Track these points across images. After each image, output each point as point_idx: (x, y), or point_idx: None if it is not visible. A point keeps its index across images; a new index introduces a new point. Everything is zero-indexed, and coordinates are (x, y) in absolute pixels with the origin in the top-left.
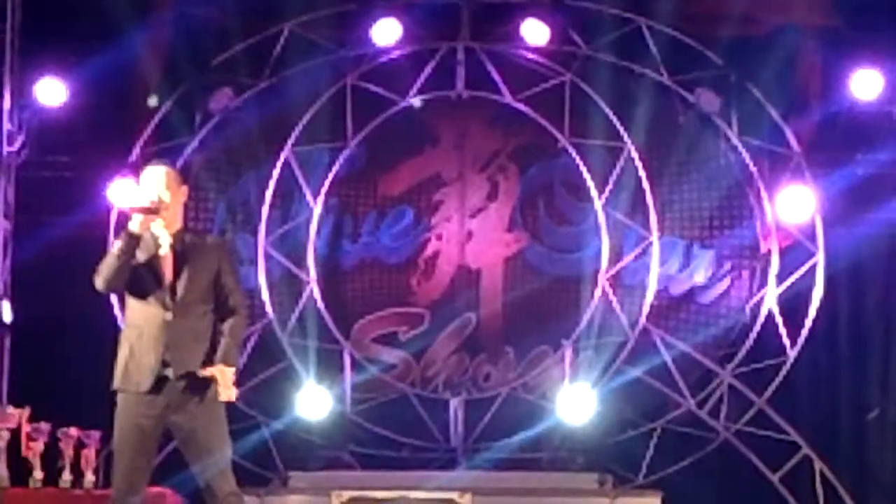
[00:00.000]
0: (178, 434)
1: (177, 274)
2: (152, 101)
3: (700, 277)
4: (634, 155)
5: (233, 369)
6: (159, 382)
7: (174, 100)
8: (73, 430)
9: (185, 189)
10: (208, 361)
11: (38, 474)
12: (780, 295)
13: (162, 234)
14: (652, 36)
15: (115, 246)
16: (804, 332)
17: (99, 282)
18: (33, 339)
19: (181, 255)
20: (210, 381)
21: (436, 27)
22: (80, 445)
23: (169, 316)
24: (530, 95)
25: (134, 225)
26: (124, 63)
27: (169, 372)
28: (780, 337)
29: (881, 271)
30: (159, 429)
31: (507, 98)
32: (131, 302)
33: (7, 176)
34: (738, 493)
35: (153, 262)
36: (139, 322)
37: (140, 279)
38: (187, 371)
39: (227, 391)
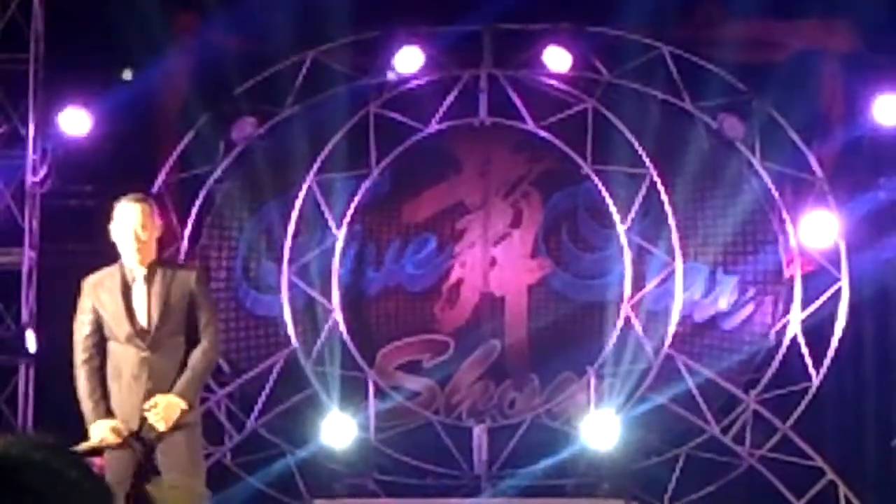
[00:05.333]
0: (160, 467)
1: (150, 309)
2: (127, 75)
3: (724, 303)
4: (657, 181)
5: (181, 402)
6: (144, 417)
7: (197, 129)
8: (98, 460)
9: (160, 224)
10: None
11: None
12: (804, 320)
13: (136, 268)
14: (674, 62)
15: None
16: (828, 357)
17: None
18: (57, 368)
19: (154, 289)
20: (187, 422)
21: (458, 55)
22: (102, 475)
23: (145, 353)
24: (553, 122)
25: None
26: (147, 92)
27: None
28: (804, 362)
29: None
30: (151, 460)
31: (530, 125)
32: (109, 344)
33: (31, 205)
34: None
35: (126, 302)
36: (118, 363)
37: (114, 322)
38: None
39: (160, 422)
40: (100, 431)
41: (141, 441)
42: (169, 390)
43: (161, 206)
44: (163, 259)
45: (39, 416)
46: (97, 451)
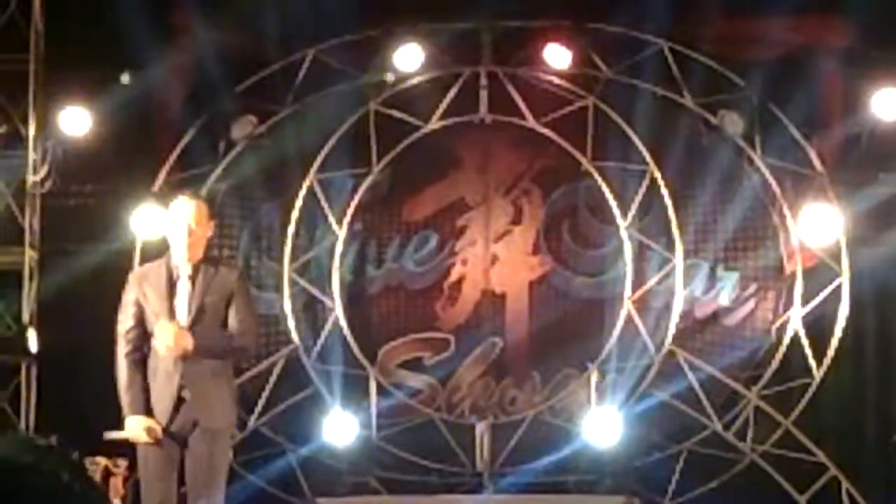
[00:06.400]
0: (185, 460)
1: (190, 308)
2: (125, 79)
3: (725, 299)
4: (658, 177)
5: (190, 339)
6: (176, 415)
7: (198, 128)
8: (101, 459)
9: (212, 224)
10: (225, 395)
11: None
12: (806, 316)
13: (183, 265)
14: (674, 58)
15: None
16: (830, 352)
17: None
18: (60, 368)
19: (197, 288)
20: (220, 425)
21: (458, 52)
22: (107, 474)
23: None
24: (554, 119)
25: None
26: (148, 91)
27: (185, 404)
28: (806, 358)
29: None
30: (180, 449)
31: (531, 122)
32: (153, 340)
33: (32, 205)
34: None
35: (169, 299)
36: (157, 359)
37: (155, 318)
38: (202, 406)
39: (163, 341)
40: (133, 427)
41: (172, 437)
42: (202, 392)
43: (161, 205)
44: (209, 256)
45: (41, 415)
46: (126, 443)
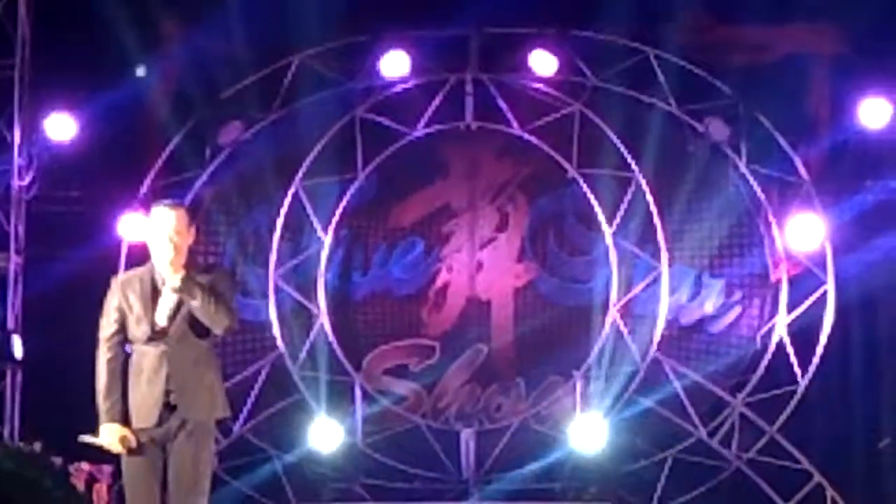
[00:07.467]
0: (168, 464)
1: (174, 313)
2: (140, 72)
3: (710, 307)
4: (644, 184)
5: (179, 276)
6: (165, 412)
7: (184, 133)
8: (85, 465)
9: (192, 230)
10: (213, 383)
11: None
12: (791, 323)
13: (169, 277)
14: (660, 66)
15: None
16: (815, 360)
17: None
18: (44, 374)
19: (181, 297)
20: (204, 418)
21: (444, 59)
22: (91, 480)
23: (164, 347)
24: (539, 126)
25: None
26: (134, 97)
27: (173, 399)
28: (791, 365)
29: (891, 298)
30: (163, 456)
31: (517, 129)
32: (133, 344)
33: (17, 210)
34: None
35: (153, 306)
36: (139, 360)
37: (136, 324)
38: (189, 397)
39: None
40: (108, 435)
41: (155, 442)
42: (188, 384)
43: (146, 211)
44: (193, 264)
45: (25, 421)
46: (101, 448)
